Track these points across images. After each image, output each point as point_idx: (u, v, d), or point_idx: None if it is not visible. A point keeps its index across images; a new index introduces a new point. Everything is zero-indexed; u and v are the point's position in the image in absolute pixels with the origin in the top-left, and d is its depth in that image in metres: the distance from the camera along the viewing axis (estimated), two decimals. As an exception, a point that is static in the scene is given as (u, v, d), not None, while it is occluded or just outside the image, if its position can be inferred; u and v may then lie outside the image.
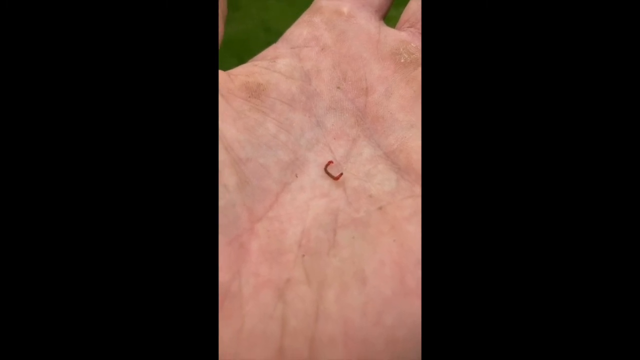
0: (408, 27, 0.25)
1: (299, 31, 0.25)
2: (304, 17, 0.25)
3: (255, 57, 0.25)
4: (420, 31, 0.25)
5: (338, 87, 0.23)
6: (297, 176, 0.22)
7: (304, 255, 0.20)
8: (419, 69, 0.23)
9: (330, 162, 0.22)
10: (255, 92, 0.22)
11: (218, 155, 0.20)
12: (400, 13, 0.26)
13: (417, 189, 0.21)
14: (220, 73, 0.23)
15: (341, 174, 0.22)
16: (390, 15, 0.26)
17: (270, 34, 0.67)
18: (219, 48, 0.25)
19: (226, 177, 0.20)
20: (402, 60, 0.24)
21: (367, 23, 0.25)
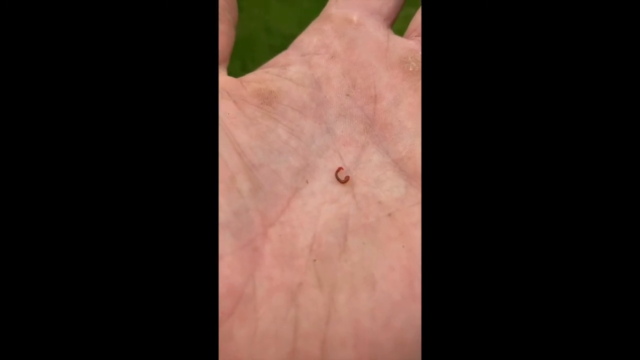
0: (416, 36, 0.25)
1: (309, 39, 0.25)
2: (314, 25, 0.26)
3: (266, 64, 0.25)
4: None
5: (347, 95, 0.24)
6: (307, 182, 0.22)
7: (315, 260, 0.20)
8: None
9: (340, 169, 0.22)
10: (267, 99, 0.23)
11: (218, 157, 0.21)
12: (408, 13, 0.27)
13: None
14: (233, 80, 0.24)
15: (348, 177, 0.22)
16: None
17: (271, 35, 0.67)
18: (230, 53, 0.26)
19: (240, 182, 0.21)
20: (411, 69, 0.24)
21: (376, 31, 0.25)
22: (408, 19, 0.27)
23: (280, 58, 0.25)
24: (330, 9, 0.26)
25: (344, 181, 0.22)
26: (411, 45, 0.25)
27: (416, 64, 0.24)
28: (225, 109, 0.22)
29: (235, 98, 0.23)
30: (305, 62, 0.24)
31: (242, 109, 0.23)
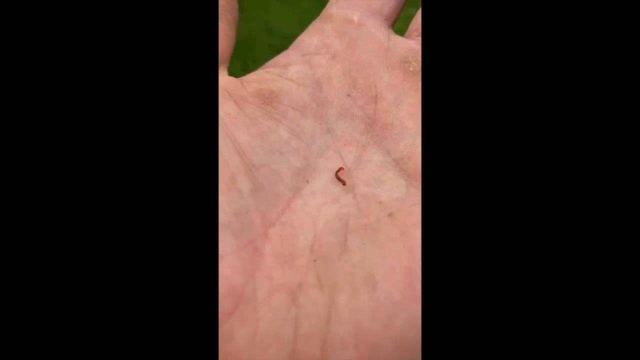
0: (417, 36, 0.25)
1: (310, 39, 0.25)
2: (315, 25, 0.26)
3: (267, 64, 0.25)
4: None
5: (348, 95, 0.24)
6: (308, 182, 0.22)
7: (315, 260, 0.20)
8: None
9: (341, 169, 0.22)
10: (268, 99, 0.23)
11: (218, 158, 0.21)
12: (408, 13, 0.27)
13: None
14: (233, 80, 0.24)
15: (345, 182, 0.22)
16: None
17: (272, 35, 0.67)
18: (231, 53, 0.26)
19: (240, 182, 0.21)
20: (411, 69, 0.24)
21: (377, 31, 0.25)
22: (409, 19, 0.27)
23: (281, 58, 0.25)
24: (331, 8, 0.26)
25: (344, 183, 0.22)
26: (412, 45, 0.25)
27: (417, 64, 0.24)
28: (226, 109, 0.22)
29: (236, 98, 0.23)
30: (306, 62, 0.24)
31: (242, 109, 0.23)
